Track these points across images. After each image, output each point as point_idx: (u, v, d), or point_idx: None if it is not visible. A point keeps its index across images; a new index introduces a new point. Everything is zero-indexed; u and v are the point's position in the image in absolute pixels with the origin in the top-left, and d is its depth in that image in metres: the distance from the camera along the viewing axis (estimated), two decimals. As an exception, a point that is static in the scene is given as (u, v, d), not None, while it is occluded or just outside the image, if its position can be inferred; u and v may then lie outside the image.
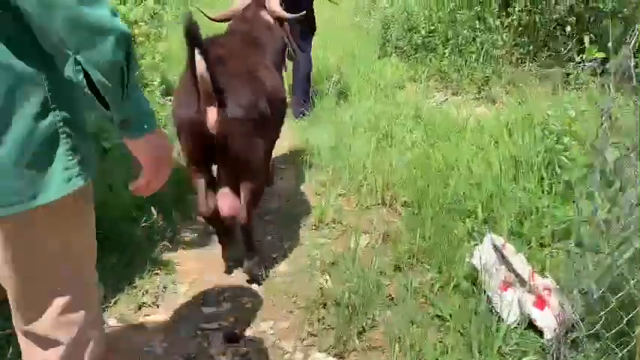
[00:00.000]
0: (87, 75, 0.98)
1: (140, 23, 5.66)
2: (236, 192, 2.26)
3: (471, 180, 2.91)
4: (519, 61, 5.08)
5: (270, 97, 2.34)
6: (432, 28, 5.79)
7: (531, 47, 5.03)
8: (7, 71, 0.99)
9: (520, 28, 5.11)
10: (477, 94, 4.95)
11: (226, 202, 2.24)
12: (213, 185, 2.30)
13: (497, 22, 5.18)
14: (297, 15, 3.00)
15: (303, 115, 4.51)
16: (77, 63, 0.97)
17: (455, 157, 3.24)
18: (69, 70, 0.98)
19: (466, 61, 5.22)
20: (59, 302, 1.16)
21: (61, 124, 1.05)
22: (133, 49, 1.03)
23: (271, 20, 2.87)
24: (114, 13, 0.97)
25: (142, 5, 5.86)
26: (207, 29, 2.40)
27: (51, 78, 1.03)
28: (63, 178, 1.06)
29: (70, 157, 1.06)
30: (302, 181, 3.42)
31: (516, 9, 5.06)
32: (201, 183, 2.27)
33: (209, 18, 3.01)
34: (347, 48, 6.59)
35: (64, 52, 0.96)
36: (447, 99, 5.07)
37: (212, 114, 2.05)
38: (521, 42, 5.08)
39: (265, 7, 2.88)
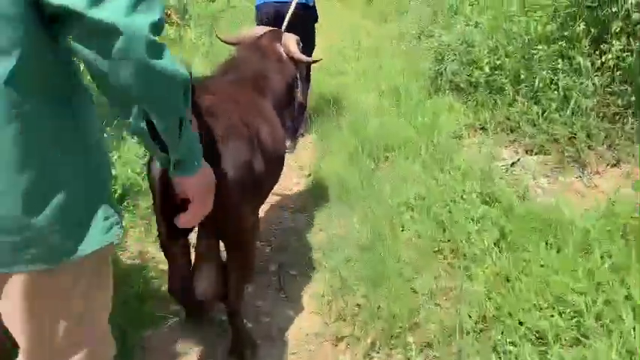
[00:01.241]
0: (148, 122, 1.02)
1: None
2: (216, 269, 1.93)
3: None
4: (616, 115, 3.88)
5: (268, 151, 2.04)
6: (498, 63, 4.64)
7: (633, 98, 3.83)
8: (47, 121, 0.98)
9: (618, 72, 3.92)
10: (560, 156, 3.79)
11: (205, 282, 1.89)
12: (189, 259, 2.00)
13: (588, 63, 4.00)
14: (316, 60, 3.10)
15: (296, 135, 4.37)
16: (142, 112, 0.99)
17: (549, 283, 2.10)
18: (132, 116, 1.00)
19: (544, 110, 4.05)
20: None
21: (101, 167, 1.07)
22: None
23: (284, 55, 2.67)
24: (175, 59, 0.98)
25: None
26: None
27: (84, 123, 1.05)
28: (104, 226, 1.06)
29: (111, 204, 1.08)
30: (316, 315, 2.32)
31: (615, 47, 3.87)
32: (174, 255, 1.97)
33: (219, 38, 2.96)
34: (391, 82, 5.52)
35: (129, 101, 0.98)
36: (519, 159, 3.93)
37: None
38: (619, 90, 3.88)
39: (281, 42, 2.69)
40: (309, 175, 3.79)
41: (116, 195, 2.88)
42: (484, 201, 3.03)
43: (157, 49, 0.92)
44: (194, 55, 6.53)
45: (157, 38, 0.92)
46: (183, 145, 1.07)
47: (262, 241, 2.87)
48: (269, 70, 2.51)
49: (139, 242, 2.69)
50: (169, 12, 8.22)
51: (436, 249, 2.61)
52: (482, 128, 4.39)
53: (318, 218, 3.10)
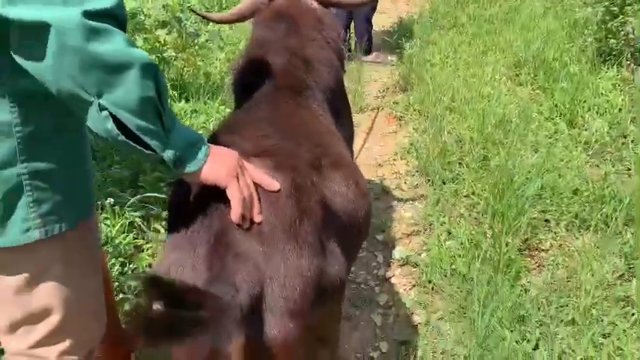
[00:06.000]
0: (117, 120, 0.88)
1: (158, 31, 3.16)
2: None
3: None
4: None
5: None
6: None
7: None
8: None
9: None
10: None
11: None
12: None
13: None
14: None
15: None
16: (102, 108, 0.87)
17: None
18: (94, 119, 0.88)
19: None
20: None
21: (27, 176, 0.99)
22: (163, 76, 0.91)
23: (319, 10, 1.69)
24: (129, 43, 0.86)
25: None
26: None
27: (26, 129, 0.97)
28: (21, 228, 1.01)
29: (33, 209, 1.00)
30: None
31: None
32: None
33: (208, 19, 1.94)
34: (529, 43, 3.67)
35: (84, 99, 0.86)
36: None
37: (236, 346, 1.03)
38: None
39: None
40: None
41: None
42: None
43: (98, 34, 0.81)
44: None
45: (95, 23, 0.81)
46: (174, 138, 0.91)
47: None
48: (314, 51, 1.61)
49: None
50: None
51: None
52: None
53: None
